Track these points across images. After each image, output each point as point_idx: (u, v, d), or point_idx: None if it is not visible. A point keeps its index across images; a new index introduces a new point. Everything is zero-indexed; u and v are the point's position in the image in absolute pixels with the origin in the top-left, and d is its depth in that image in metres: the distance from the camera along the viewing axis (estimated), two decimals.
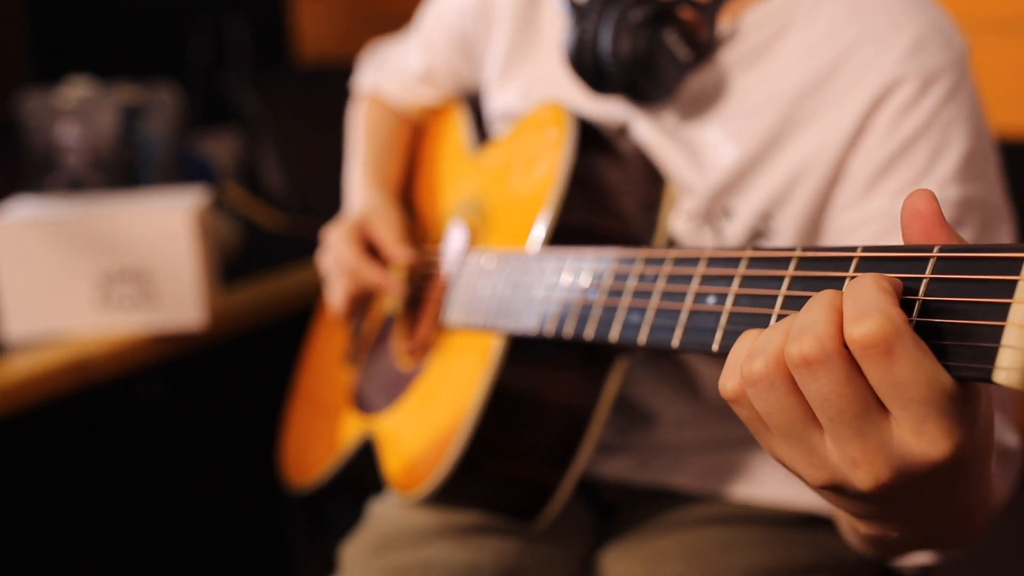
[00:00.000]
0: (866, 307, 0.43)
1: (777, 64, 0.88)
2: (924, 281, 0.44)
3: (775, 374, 0.47)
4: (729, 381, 0.50)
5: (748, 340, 0.50)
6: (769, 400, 0.47)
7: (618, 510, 1.04)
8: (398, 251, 1.04)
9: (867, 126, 0.82)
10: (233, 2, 2.50)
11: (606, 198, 0.90)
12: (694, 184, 0.89)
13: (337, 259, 1.06)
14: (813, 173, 0.84)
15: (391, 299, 1.07)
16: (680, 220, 0.90)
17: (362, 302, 1.09)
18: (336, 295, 1.08)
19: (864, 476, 0.45)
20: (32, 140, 1.37)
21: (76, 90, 1.40)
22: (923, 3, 0.85)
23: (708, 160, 0.89)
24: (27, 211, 1.26)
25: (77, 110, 1.37)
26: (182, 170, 1.43)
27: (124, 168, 1.38)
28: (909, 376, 0.43)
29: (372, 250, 1.08)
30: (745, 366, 0.48)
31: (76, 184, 1.38)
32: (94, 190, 1.39)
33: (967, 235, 0.80)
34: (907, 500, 0.48)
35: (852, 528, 0.63)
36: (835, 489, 0.48)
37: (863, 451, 0.45)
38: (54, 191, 1.38)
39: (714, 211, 0.89)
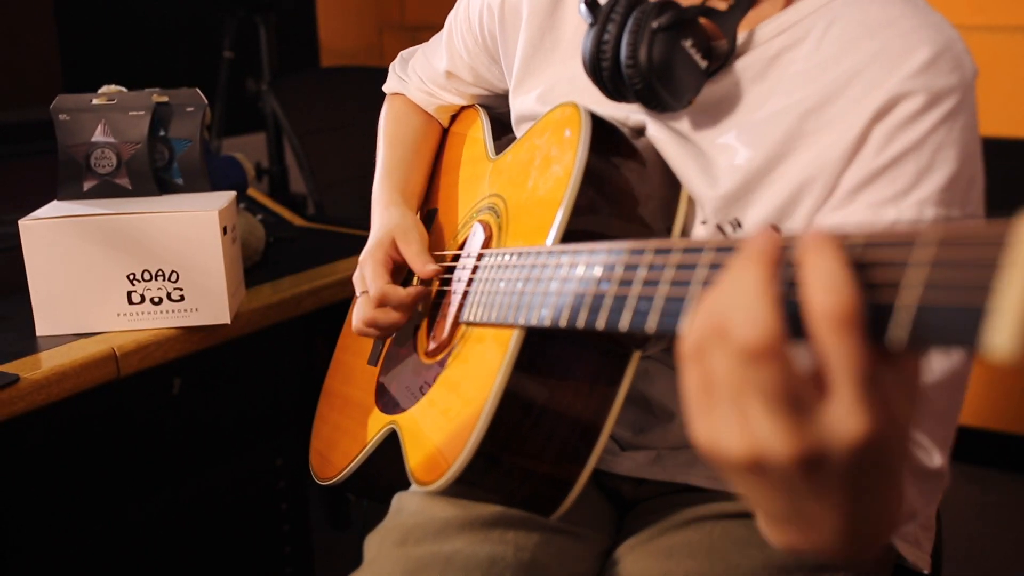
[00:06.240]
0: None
1: (788, 77, 0.88)
2: (907, 265, 0.46)
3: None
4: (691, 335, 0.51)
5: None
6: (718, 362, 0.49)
7: (636, 506, 1.05)
8: (422, 267, 1.08)
9: (867, 137, 0.83)
10: (259, 10, 2.54)
11: (622, 197, 0.91)
12: (704, 194, 0.90)
13: (368, 283, 1.08)
14: (817, 185, 0.85)
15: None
16: (693, 229, 0.91)
17: (393, 326, 1.08)
18: (363, 315, 1.08)
19: (785, 448, 0.47)
20: (64, 144, 1.40)
21: (107, 96, 1.43)
22: (938, 24, 0.85)
23: (718, 169, 0.90)
24: (58, 211, 1.29)
25: (108, 115, 1.40)
26: (209, 173, 1.46)
27: (153, 172, 1.41)
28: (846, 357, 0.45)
29: (399, 266, 1.11)
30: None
31: (107, 187, 1.41)
32: (124, 193, 1.42)
33: None
34: (824, 483, 0.49)
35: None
36: (754, 469, 0.49)
37: (794, 424, 0.47)
38: (86, 194, 1.41)
39: (724, 222, 0.90)
